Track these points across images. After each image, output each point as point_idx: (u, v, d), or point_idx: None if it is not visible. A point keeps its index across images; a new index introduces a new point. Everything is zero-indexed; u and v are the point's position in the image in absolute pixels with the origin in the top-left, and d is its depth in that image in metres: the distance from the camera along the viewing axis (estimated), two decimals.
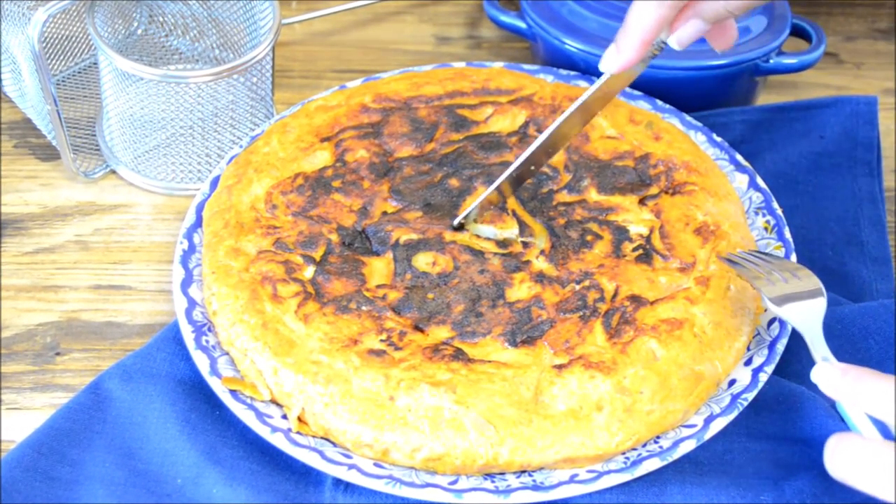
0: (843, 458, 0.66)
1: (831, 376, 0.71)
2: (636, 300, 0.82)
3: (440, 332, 0.81)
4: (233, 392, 0.79)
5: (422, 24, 1.16)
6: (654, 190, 0.90)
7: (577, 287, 0.83)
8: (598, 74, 1.00)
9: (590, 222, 0.88)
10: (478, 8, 1.17)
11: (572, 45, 1.01)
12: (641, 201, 0.90)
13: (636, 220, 0.88)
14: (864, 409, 0.69)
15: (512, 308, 0.82)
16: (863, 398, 0.69)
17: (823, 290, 0.78)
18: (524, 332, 0.81)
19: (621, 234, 0.87)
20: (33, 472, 0.78)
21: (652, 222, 0.88)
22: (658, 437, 0.78)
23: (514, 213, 0.88)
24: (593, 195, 0.90)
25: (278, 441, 0.77)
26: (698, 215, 0.88)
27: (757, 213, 0.91)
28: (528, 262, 0.85)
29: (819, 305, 0.77)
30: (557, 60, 1.03)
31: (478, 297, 0.83)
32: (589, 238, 0.87)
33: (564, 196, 0.90)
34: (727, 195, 0.90)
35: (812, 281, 0.79)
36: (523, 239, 0.87)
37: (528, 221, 0.88)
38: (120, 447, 0.80)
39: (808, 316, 0.77)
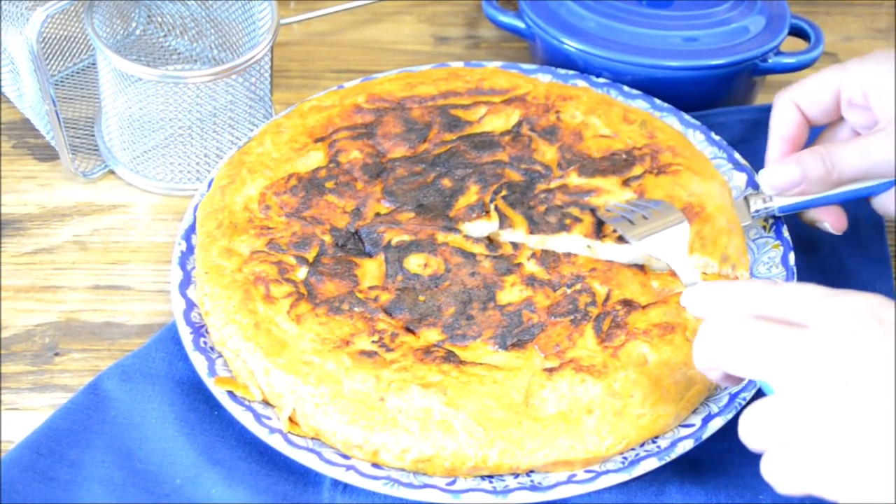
0: (712, 339, 0.66)
1: (696, 296, 0.71)
2: (628, 304, 0.82)
3: (431, 335, 0.81)
4: (231, 393, 0.79)
5: (420, 24, 1.16)
6: (637, 170, 0.90)
7: (569, 291, 0.83)
8: (596, 73, 1.01)
9: (570, 206, 0.87)
10: (476, 8, 1.17)
11: (571, 44, 1.01)
12: (625, 182, 0.89)
13: (618, 200, 0.88)
14: (740, 313, 0.68)
15: (503, 311, 0.82)
16: (737, 303, 0.68)
17: (684, 217, 0.82)
18: (515, 335, 0.81)
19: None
20: (32, 472, 0.78)
21: (642, 200, 0.87)
22: (656, 437, 0.78)
23: (496, 207, 0.88)
24: (574, 179, 0.90)
25: (276, 442, 0.77)
26: (683, 195, 0.87)
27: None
28: (519, 265, 0.85)
29: (680, 232, 0.81)
30: (556, 60, 1.03)
31: (469, 299, 0.83)
32: (568, 222, 0.86)
33: (546, 184, 0.90)
34: (712, 176, 0.90)
35: (672, 212, 0.82)
36: (502, 230, 0.86)
37: (508, 213, 0.87)
38: (119, 447, 0.80)
39: (671, 244, 0.80)
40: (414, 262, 0.85)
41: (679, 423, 0.79)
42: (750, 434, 0.64)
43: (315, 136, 0.93)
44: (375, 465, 0.76)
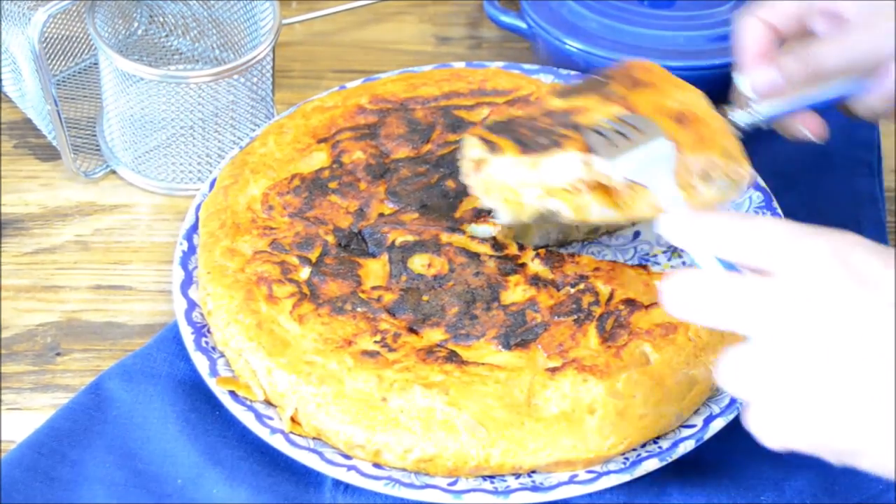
0: (680, 292, 0.62)
1: (677, 222, 0.65)
2: (631, 304, 0.82)
3: (434, 335, 0.81)
4: (232, 393, 0.79)
5: (422, 24, 1.16)
6: (613, 87, 0.84)
7: (572, 290, 0.83)
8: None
9: (557, 127, 0.82)
10: (478, 8, 1.17)
11: (572, 45, 1.01)
12: (607, 98, 0.83)
13: (606, 115, 0.82)
14: (711, 251, 0.64)
15: (506, 311, 0.82)
16: (708, 238, 0.64)
17: (664, 134, 0.76)
18: (518, 335, 0.81)
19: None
20: (33, 472, 0.78)
21: (623, 114, 0.82)
22: (658, 438, 0.78)
23: (480, 138, 0.83)
24: (552, 101, 0.85)
25: (277, 442, 0.77)
26: (672, 104, 0.83)
27: (757, 213, 0.91)
28: (523, 265, 0.85)
29: (659, 149, 0.75)
30: (558, 60, 1.03)
31: (472, 299, 0.83)
32: (558, 139, 0.80)
33: (521, 111, 0.86)
34: (691, 89, 0.86)
35: (653, 129, 0.76)
36: (492, 154, 0.80)
37: (493, 139, 0.82)
38: (120, 447, 0.80)
39: (649, 163, 0.74)
40: (418, 263, 0.85)
41: (681, 424, 0.79)
42: (730, 382, 0.61)
43: (318, 137, 0.93)
44: (377, 466, 0.76)
